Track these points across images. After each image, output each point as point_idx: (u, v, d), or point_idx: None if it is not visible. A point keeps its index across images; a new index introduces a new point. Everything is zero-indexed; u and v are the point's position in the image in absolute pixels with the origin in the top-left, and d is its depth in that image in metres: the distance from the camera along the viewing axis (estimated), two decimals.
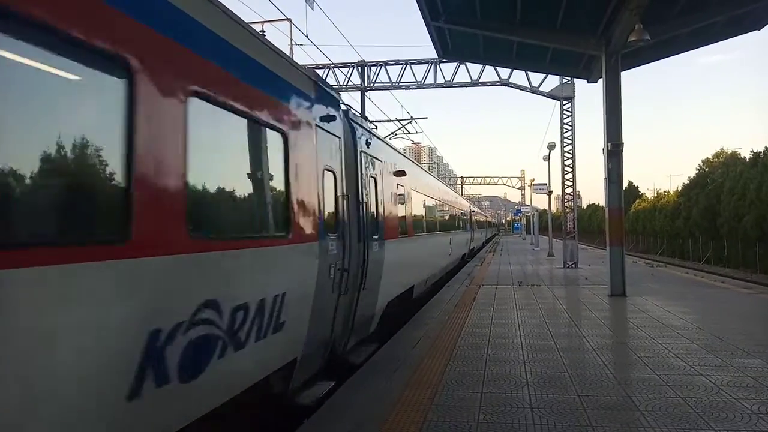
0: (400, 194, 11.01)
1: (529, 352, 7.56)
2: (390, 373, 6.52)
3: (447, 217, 20.95)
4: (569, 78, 22.89)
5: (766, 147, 33.49)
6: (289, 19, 19.63)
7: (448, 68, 26.59)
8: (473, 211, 37.53)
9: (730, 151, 46.40)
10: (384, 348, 7.93)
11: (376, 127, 9.60)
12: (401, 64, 27.02)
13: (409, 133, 29.41)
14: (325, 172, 6.34)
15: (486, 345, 8.05)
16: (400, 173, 10.91)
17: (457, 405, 5.38)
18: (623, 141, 13.80)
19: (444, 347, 7.92)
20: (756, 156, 34.66)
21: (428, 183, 16.80)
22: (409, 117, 28.48)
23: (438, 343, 8.22)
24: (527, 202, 70.23)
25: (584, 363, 7.01)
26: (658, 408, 5.21)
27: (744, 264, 33.84)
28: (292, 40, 20.95)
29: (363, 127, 8.60)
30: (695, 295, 13.80)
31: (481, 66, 25.63)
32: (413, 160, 16.54)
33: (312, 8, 17.00)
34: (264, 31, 20.40)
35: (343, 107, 7.60)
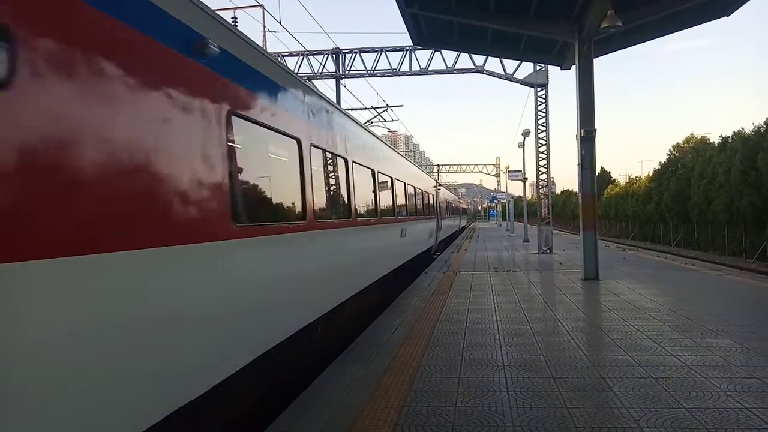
0: (444, 200, 29.88)
1: (505, 337, 7.66)
2: (368, 361, 6.55)
3: (455, 209, 43.41)
4: (543, 65, 23.03)
5: (733, 132, 34.17)
6: (261, 6, 19.31)
7: (423, 56, 26.57)
8: (461, 203, 64.37)
9: (699, 137, 47.27)
10: (362, 335, 7.96)
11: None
12: (376, 51, 26.80)
13: (385, 121, 29.39)
14: (438, 199, 25.32)
15: (463, 330, 8.13)
16: (444, 192, 29.91)
17: (436, 390, 5.43)
18: (596, 127, 13.97)
19: (422, 334, 7.98)
20: (724, 141, 35.38)
21: (449, 194, 39.56)
22: (385, 105, 28.40)
23: (416, 329, 8.28)
24: (503, 189, 70.86)
25: (559, 346, 7.13)
26: (630, 388, 5.34)
27: (713, 247, 34.69)
28: (264, 27, 20.67)
29: (439, 182, 30.63)
30: (666, 277, 14.12)
31: (456, 53, 25.62)
32: (445, 186, 40.83)
33: None
34: (236, 18, 20.08)
35: (434, 179, 28.67)
